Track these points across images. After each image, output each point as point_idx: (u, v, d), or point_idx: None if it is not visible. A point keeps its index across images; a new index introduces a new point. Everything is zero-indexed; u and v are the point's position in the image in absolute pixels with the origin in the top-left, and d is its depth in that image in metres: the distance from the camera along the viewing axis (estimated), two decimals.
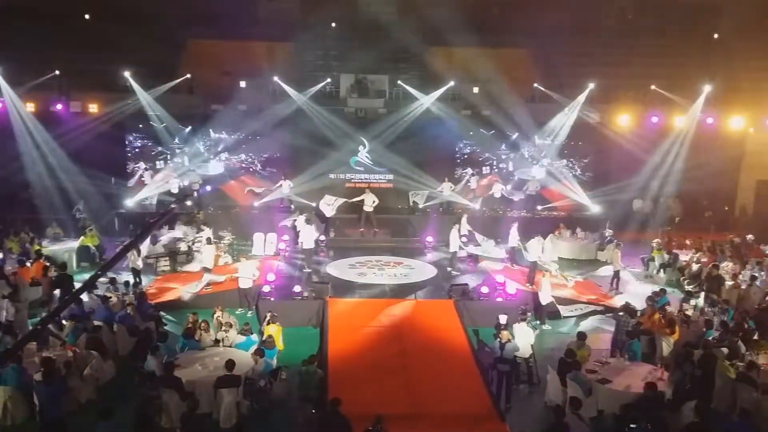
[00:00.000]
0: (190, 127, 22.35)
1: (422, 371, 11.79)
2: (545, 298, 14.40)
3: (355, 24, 23.92)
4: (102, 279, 13.33)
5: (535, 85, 23.68)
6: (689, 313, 13.73)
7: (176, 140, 22.51)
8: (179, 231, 19.11)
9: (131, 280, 15.56)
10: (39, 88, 20.90)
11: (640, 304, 13.71)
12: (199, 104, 22.75)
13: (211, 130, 22.39)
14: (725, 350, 11.49)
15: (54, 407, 9.59)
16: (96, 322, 12.44)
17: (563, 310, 15.05)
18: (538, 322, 14.31)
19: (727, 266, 17.02)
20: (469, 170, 23.60)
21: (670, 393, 10.31)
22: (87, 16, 25.09)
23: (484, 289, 15.06)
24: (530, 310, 13.96)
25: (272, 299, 14.51)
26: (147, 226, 13.89)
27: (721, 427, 9.48)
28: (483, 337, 12.25)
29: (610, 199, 22.47)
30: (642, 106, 23.24)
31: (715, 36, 26.04)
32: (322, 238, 19.61)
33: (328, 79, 23.12)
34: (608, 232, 20.32)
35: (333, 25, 24.76)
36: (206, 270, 16.27)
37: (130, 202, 21.87)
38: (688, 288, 16.64)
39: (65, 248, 18.40)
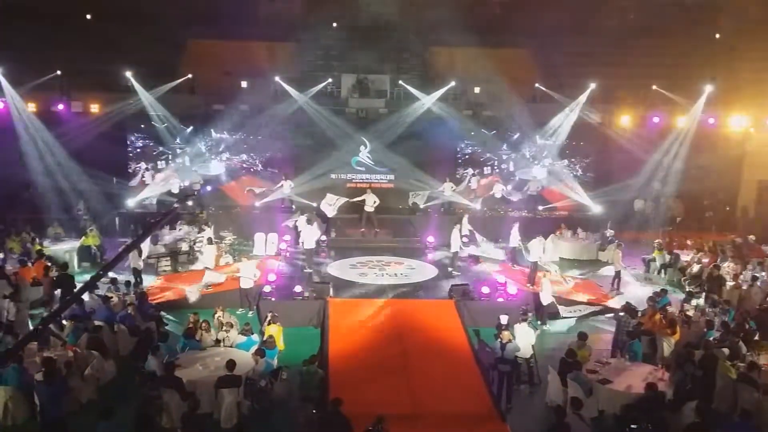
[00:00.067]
0: (191, 127, 22.36)
1: (423, 371, 11.79)
2: (546, 299, 14.40)
3: (356, 24, 23.89)
4: (103, 279, 13.32)
5: (537, 85, 23.68)
6: (690, 313, 13.73)
7: (177, 140, 22.53)
8: (181, 231, 19.13)
9: (132, 280, 15.58)
10: (40, 88, 20.93)
11: (641, 305, 13.71)
12: (201, 104, 22.77)
13: (212, 130, 22.41)
14: (726, 351, 11.48)
15: (55, 407, 9.58)
16: (97, 322, 12.45)
17: (564, 311, 15.05)
18: (539, 322, 14.31)
19: (728, 267, 17.02)
20: (470, 170, 23.60)
21: (670, 393, 10.30)
22: (88, 16, 25.09)
23: (485, 290, 15.04)
24: (531, 311, 13.99)
25: (273, 299, 14.52)
26: (149, 226, 13.91)
27: (722, 427, 9.48)
28: (484, 337, 12.25)
29: (611, 200, 22.42)
30: (643, 106, 23.24)
31: (717, 36, 25.97)
32: (323, 238, 19.62)
33: (329, 79, 23.15)
34: (609, 233, 20.31)
35: (334, 25, 24.73)
36: (207, 269, 16.28)
37: (131, 202, 21.89)
38: (689, 288, 16.60)
39: (66, 248, 18.41)
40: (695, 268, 17.47)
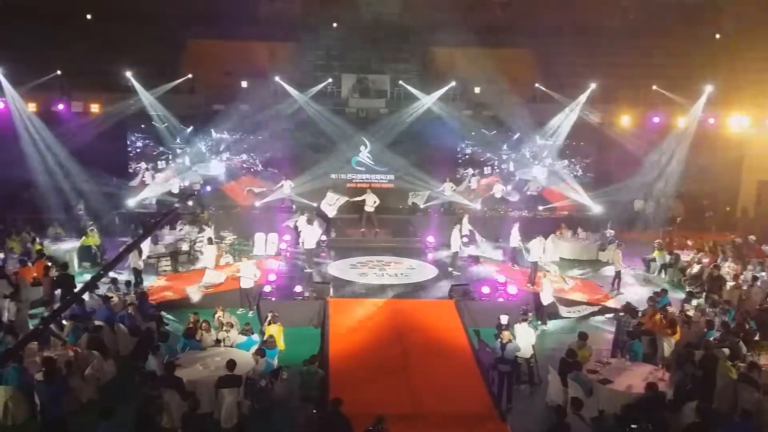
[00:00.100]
0: (191, 127, 22.37)
1: (423, 371, 11.79)
2: (546, 299, 14.40)
3: (356, 24, 23.92)
4: (103, 279, 13.32)
5: (537, 85, 23.67)
6: (690, 313, 13.72)
7: (178, 140, 22.54)
8: (182, 231, 19.12)
9: (132, 280, 15.58)
10: (40, 88, 20.93)
11: (641, 305, 13.70)
12: (201, 104, 22.79)
13: (212, 130, 22.41)
14: (726, 351, 11.47)
15: (55, 407, 9.58)
16: (97, 322, 12.45)
17: (564, 311, 15.04)
18: (539, 322, 14.33)
19: (728, 267, 17.02)
20: (470, 170, 23.61)
21: (671, 393, 10.30)
22: (88, 16, 25.10)
23: (485, 289, 15.04)
24: (531, 311, 14.00)
25: (273, 299, 14.52)
26: (150, 225, 13.92)
27: (722, 427, 9.47)
28: (484, 337, 12.24)
29: (612, 200, 22.44)
30: (643, 106, 23.22)
31: (717, 36, 26.00)
32: (324, 238, 19.62)
33: (330, 79, 23.13)
34: (609, 233, 20.33)
35: (334, 25, 24.76)
36: (207, 269, 16.28)
37: (131, 202, 21.89)
38: (690, 288, 16.62)
39: (66, 248, 18.42)
40: (695, 268, 17.47)
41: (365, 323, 13.88)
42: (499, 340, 11.07)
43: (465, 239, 18.41)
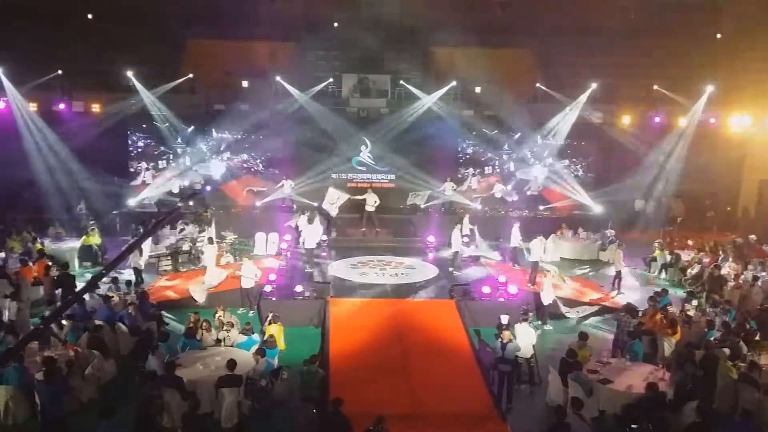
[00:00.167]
0: (192, 127, 22.39)
1: (424, 371, 11.79)
2: (547, 299, 14.40)
3: (356, 24, 23.91)
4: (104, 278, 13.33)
5: (537, 85, 23.68)
6: (691, 313, 13.70)
7: (179, 140, 22.55)
8: (183, 231, 19.12)
9: (133, 280, 15.58)
10: (41, 87, 20.98)
11: (641, 305, 13.70)
12: (202, 104, 22.80)
13: (213, 130, 22.42)
14: (727, 351, 11.47)
15: (55, 407, 9.59)
16: (97, 322, 12.45)
17: (565, 311, 15.04)
18: (539, 322, 14.32)
19: (729, 266, 17.01)
20: (471, 170, 23.60)
21: (671, 393, 10.29)
22: (89, 16, 25.13)
23: (486, 289, 15.04)
24: (532, 310, 13.99)
25: (274, 299, 14.51)
26: (151, 225, 13.92)
27: (722, 427, 9.46)
28: (484, 337, 12.24)
29: (612, 199, 22.44)
30: (644, 106, 23.22)
31: (718, 36, 25.99)
32: (324, 237, 19.62)
33: (330, 79, 23.16)
34: (610, 233, 20.32)
35: (335, 25, 24.77)
36: (207, 269, 16.28)
37: (132, 202, 21.90)
38: (690, 288, 16.62)
39: (67, 248, 18.43)
40: (696, 268, 17.47)
41: (365, 323, 13.87)
42: (500, 339, 11.06)
43: (466, 239, 18.42)
